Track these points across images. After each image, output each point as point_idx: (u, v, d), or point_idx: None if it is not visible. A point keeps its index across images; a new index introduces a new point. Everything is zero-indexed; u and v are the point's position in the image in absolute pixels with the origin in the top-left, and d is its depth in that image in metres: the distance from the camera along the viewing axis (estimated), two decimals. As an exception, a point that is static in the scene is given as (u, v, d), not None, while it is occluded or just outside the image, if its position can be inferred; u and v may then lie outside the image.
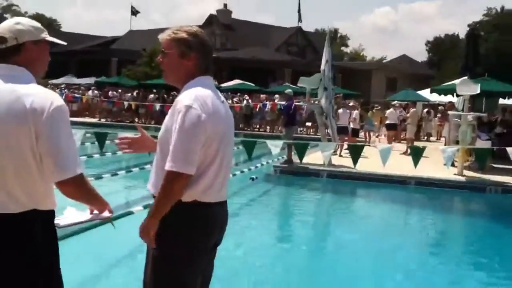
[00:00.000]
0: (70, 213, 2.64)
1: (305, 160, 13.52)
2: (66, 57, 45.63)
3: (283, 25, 56.63)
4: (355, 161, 11.16)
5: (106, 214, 2.55)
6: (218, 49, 49.86)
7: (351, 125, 16.61)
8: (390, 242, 7.45)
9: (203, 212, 2.52)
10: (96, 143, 10.78)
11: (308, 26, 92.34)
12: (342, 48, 75.80)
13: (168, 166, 2.38)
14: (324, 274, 5.87)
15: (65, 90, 27.70)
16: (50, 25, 67.55)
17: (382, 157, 10.85)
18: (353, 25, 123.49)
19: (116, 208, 6.80)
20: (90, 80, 35.30)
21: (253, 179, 11.66)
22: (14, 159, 2.17)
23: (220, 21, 51.96)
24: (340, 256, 6.68)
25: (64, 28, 71.10)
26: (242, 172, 12.32)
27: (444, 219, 9.74)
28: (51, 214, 2.34)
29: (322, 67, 13.78)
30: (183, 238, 2.49)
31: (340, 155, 14.99)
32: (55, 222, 2.40)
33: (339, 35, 77.62)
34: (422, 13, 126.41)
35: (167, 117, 2.51)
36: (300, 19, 53.35)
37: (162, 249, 2.49)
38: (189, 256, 2.51)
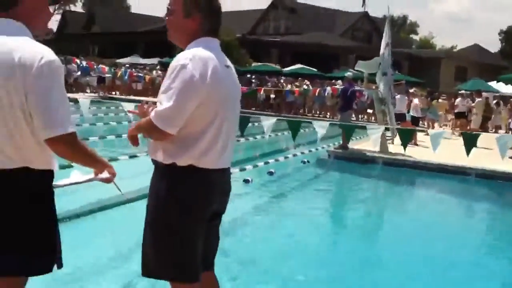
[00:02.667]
0: (73, 175, 2.60)
1: (361, 146, 13.24)
2: (133, 38, 46.87)
3: (346, 9, 55.61)
4: (404, 145, 10.68)
5: (105, 175, 2.48)
6: (282, 34, 49.60)
7: (411, 113, 16.01)
8: (447, 235, 7.05)
9: (199, 177, 2.45)
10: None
11: (375, 11, 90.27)
12: (411, 35, 73.63)
13: (152, 115, 2.34)
14: (374, 263, 5.63)
15: (129, 69, 28.29)
16: (120, 5, 69.48)
17: (433, 142, 10.34)
18: (423, 12, 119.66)
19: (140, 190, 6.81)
20: (155, 60, 36.01)
21: (304, 162, 11.47)
22: (5, 115, 2.10)
23: (285, 5, 51.51)
24: (391, 247, 6.37)
25: (133, 9, 72.92)
26: (295, 155, 12.18)
27: (504, 215, 9.18)
28: (46, 174, 2.28)
29: (382, 50, 13.27)
30: (178, 203, 2.44)
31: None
32: (54, 182, 2.35)
33: (408, 21, 75.42)
34: (496, 0, 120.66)
35: (166, 77, 2.42)
36: (363, 3, 52.20)
37: (159, 213, 2.47)
38: (186, 221, 2.46)
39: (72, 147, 2.18)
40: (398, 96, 15.65)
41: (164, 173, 2.46)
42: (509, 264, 6.17)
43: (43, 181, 2.26)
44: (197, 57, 2.36)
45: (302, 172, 10.97)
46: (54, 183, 2.35)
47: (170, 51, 42.54)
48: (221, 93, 2.44)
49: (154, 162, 2.52)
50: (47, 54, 2.11)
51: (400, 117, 14.96)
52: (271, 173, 9.56)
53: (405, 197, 10.10)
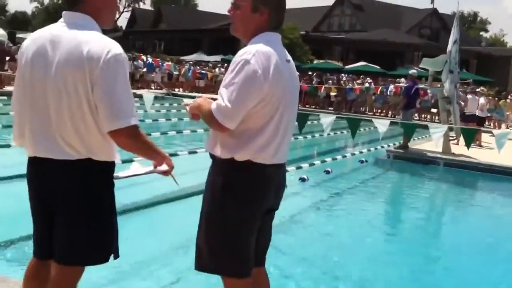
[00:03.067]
0: (134, 167, 2.66)
1: (421, 147, 12.93)
2: (199, 35, 47.61)
3: (415, 6, 54.16)
4: (468, 145, 10.33)
5: (164, 167, 2.51)
6: (347, 31, 49.01)
7: (477, 112, 15.46)
8: (502, 244, 6.80)
9: (256, 172, 2.46)
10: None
11: (444, 8, 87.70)
12: (481, 33, 70.92)
13: (213, 108, 2.34)
14: (430, 269, 5.53)
15: (193, 66, 28.79)
16: (187, 3, 70.76)
17: (498, 142, 9.93)
18: (495, 9, 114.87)
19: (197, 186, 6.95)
20: (218, 58, 36.48)
21: (362, 161, 11.33)
22: (71, 106, 2.19)
23: (350, 1, 50.87)
24: (448, 252, 6.25)
25: (200, 7, 74.11)
26: (353, 154, 12.06)
27: None
28: (109, 165, 2.37)
29: (449, 48, 12.83)
30: (234, 197, 2.45)
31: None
32: (115, 174, 2.44)
33: (478, 18, 72.69)
34: None
35: (228, 72, 2.44)
36: (432, 0, 50.58)
37: (215, 207, 2.49)
38: (241, 216, 2.48)
39: (134, 139, 2.25)
40: (469, 96, 15.18)
41: (222, 168, 2.47)
42: None
43: (105, 172, 2.36)
44: (260, 52, 2.36)
45: (360, 172, 10.85)
46: (115, 174, 2.43)
47: (234, 48, 43.09)
48: (282, 88, 2.44)
49: (212, 156, 2.54)
50: (114, 47, 2.19)
51: (469, 118, 14.49)
52: (327, 172, 9.52)
53: (466, 200, 9.77)
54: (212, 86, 28.65)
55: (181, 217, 6.07)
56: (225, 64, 31.08)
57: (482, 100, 15.36)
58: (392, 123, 11.07)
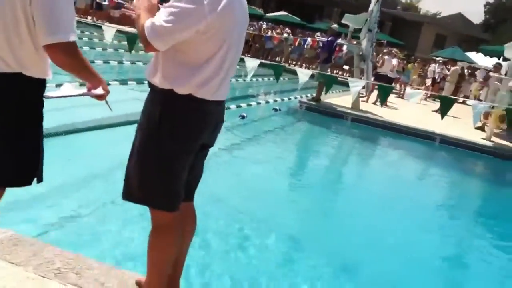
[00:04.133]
0: (65, 87, 2.50)
1: (333, 101, 13.37)
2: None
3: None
4: (382, 100, 10.88)
5: (99, 91, 2.40)
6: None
7: (388, 74, 16.13)
8: (403, 195, 7.34)
9: (196, 107, 2.40)
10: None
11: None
12: (398, -4, 72.91)
13: (147, 24, 2.26)
14: (327, 215, 5.84)
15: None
16: None
17: (409, 98, 10.58)
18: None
19: (130, 115, 6.91)
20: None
21: (276, 110, 11.56)
22: (5, 16, 2.06)
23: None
24: (348, 202, 6.61)
25: None
26: (267, 102, 12.24)
27: (461, 181, 9.53)
28: (40, 82, 2.24)
29: (371, 7, 13.18)
30: (171, 130, 2.39)
31: (374, 103, 14.73)
32: (45, 94, 2.31)
33: (396, -18, 74.45)
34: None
35: None
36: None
37: (149, 139, 2.41)
38: (176, 150, 2.42)
39: (71, 56, 2.13)
40: (386, 57, 15.72)
41: (160, 99, 2.39)
42: (456, 225, 6.48)
43: (35, 89, 2.23)
44: None
45: (272, 120, 11.07)
46: (45, 94, 2.30)
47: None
48: (230, 25, 2.36)
49: (151, 85, 2.44)
50: None
51: (382, 78, 15.05)
52: (242, 117, 9.62)
53: (368, 154, 10.34)
54: (128, 18, 27.50)
55: (108, 145, 6.04)
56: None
57: (394, 61, 16.00)
58: (312, 75, 11.31)
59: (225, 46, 2.39)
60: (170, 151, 2.42)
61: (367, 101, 14.60)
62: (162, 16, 2.24)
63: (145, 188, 2.48)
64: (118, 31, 11.77)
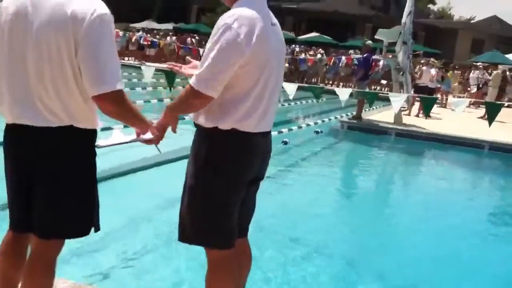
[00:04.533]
0: (115, 134, 2.55)
1: (375, 117, 13.23)
2: (149, 2, 46.41)
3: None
4: (426, 112, 10.68)
5: (148, 135, 2.43)
6: (299, 1, 48.88)
7: (427, 84, 15.89)
8: (456, 209, 7.11)
9: (241, 141, 2.38)
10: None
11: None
12: (429, 5, 72.19)
13: (192, 80, 2.27)
14: (381, 234, 5.71)
15: (144, 34, 28.15)
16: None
17: (455, 107, 10.31)
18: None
19: (178, 151, 7.04)
20: (169, 26, 35.75)
21: (317, 132, 11.49)
22: (53, 70, 2.09)
23: (302, -28, 50.61)
24: (400, 219, 6.46)
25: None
26: (308, 125, 12.21)
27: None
28: (91, 133, 2.28)
29: (404, 19, 13.05)
30: (218, 168, 2.39)
31: (416, 115, 14.52)
32: (97, 143, 2.35)
33: (426, -9, 73.84)
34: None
35: (210, 37, 2.36)
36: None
37: (198, 178, 2.41)
38: (225, 186, 2.41)
39: (119, 105, 2.15)
40: (424, 68, 15.56)
41: (206, 137, 2.40)
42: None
43: (86, 141, 2.27)
44: (243, 16, 2.26)
45: (315, 142, 11.01)
46: (96, 143, 2.34)
47: (185, 16, 42.40)
48: (267, 53, 2.33)
49: (196, 126, 2.44)
50: (99, 7, 2.09)
51: (423, 89, 14.87)
52: (285, 143, 9.60)
53: (416, 169, 10.13)
54: (164, 55, 28.19)
55: (161, 183, 6.15)
56: (176, 33, 30.57)
57: (433, 71, 15.77)
58: (351, 94, 11.25)
59: (265, 74, 2.37)
60: (219, 188, 2.41)
61: (409, 114, 14.39)
62: (204, 64, 2.25)
63: (198, 228, 2.48)
64: (157, 69, 12.00)
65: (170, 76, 10.35)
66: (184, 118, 2.98)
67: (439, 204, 7.24)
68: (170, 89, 11.23)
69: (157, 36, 28.37)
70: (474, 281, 4.55)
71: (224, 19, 2.27)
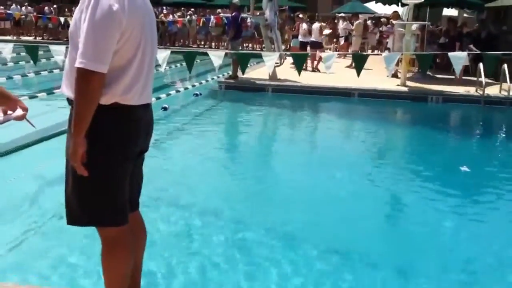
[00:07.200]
0: None
1: (251, 75, 13.40)
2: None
3: None
4: (299, 70, 11.02)
5: (19, 112, 2.27)
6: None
7: (299, 38, 16.34)
8: (334, 154, 7.53)
9: (125, 115, 2.30)
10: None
11: None
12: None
13: (78, 63, 2.12)
14: (268, 188, 5.87)
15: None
16: None
17: (326, 63, 10.78)
18: None
19: (54, 127, 6.66)
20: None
21: (197, 95, 11.44)
22: None
23: None
24: (285, 169, 6.66)
25: None
26: (186, 88, 12.09)
27: (386, 129, 9.89)
28: None
29: (269, -24, 13.21)
30: (103, 143, 2.28)
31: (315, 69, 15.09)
32: None
33: None
34: None
35: (76, 9, 2.22)
36: None
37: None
38: (113, 162, 2.32)
39: None
40: (316, 25, 15.98)
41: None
42: (390, 171, 6.71)
43: None
44: None
45: (195, 105, 10.94)
46: None
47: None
48: (140, 22, 2.26)
49: (70, 102, 2.29)
50: None
51: (316, 45, 15.40)
52: (165, 108, 9.43)
53: (294, 121, 10.49)
54: (21, 27, 26.24)
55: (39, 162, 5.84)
56: (33, 3, 28.45)
57: (304, 25, 16.21)
58: (226, 55, 11.25)
59: (141, 46, 2.30)
60: (107, 164, 2.32)
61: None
62: (86, 40, 2.11)
63: (88, 208, 2.38)
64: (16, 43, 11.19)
65: (33, 51, 9.70)
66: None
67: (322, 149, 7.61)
68: (35, 63, 10.56)
69: (12, 7, 26.15)
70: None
71: None
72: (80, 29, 2.16)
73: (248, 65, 12.75)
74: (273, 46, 13.91)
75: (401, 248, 4.31)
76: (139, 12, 2.26)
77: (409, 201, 5.63)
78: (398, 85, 12.40)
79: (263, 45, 15.80)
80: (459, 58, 10.78)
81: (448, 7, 17.69)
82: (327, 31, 19.62)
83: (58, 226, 4.16)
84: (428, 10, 17.56)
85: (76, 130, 2.19)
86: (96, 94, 2.16)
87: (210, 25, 23.58)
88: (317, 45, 15.93)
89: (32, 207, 4.73)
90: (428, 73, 13.16)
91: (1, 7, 26.22)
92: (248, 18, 18.65)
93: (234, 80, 12.73)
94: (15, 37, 24.23)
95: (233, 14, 13.13)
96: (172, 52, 9.83)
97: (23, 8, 26.59)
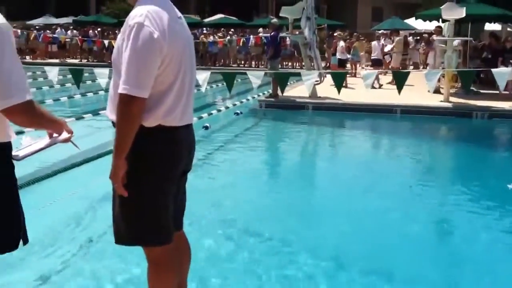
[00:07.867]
0: (27, 141, 2.45)
1: (291, 93, 13.43)
2: (44, -4, 44.18)
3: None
4: (338, 89, 10.96)
5: (65, 135, 2.36)
6: (200, -17, 48.37)
7: (338, 55, 16.32)
8: (379, 172, 7.39)
9: (168, 136, 2.38)
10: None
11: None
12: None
13: (121, 89, 2.22)
14: (314, 206, 5.81)
15: (42, 31, 26.80)
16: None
17: (365, 81, 10.69)
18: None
19: (99, 147, 6.79)
20: (68, 19, 34.22)
21: (237, 114, 11.51)
22: None
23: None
24: (330, 188, 6.59)
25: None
26: (227, 108, 12.19)
27: (431, 145, 9.71)
28: (5, 146, 2.15)
29: (305, -5, 13.29)
30: (147, 165, 2.37)
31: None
32: (14, 154, 2.22)
33: (323, -36, 75.46)
34: None
35: (118, 36, 2.33)
36: None
37: (129, 177, 2.34)
38: (158, 183, 2.40)
39: (30, 114, 2.06)
40: (374, 43, 16.07)
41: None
42: (436, 188, 6.56)
43: (2, 154, 2.13)
44: (152, 12, 2.26)
45: (237, 124, 11.00)
46: (13, 154, 2.21)
47: (84, 8, 40.73)
48: (180, 47, 2.36)
49: (114, 124, 2.37)
50: None
51: (377, 62, 15.47)
52: (206, 128, 9.51)
53: (336, 138, 10.40)
54: (67, 50, 27.11)
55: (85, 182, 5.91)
56: (76, 26, 29.37)
57: (342, 43, 16.20)
58: (265, 74, 11.32)
59: (182, 69, 2.39)
60: (151, 185, 2.39)
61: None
62: (128, 67, 2.21)
63: (134, 228, 2.45)
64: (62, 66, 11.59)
65: (77, 74, 10.03)
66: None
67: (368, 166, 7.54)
68: (78, 86, 10.90)
69: (57, 31, 27.03)
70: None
71: (134, 18, 2.26)
72: (122, 56, 2.25)
73: (288, 83, 12.80)
74: (312, 64, 13.92)
75: (451, 271, 4.18)
76: (179, 38, 2.36)
77: (457, 220, 5.47)
78: (441, 101, 12.18)
79: (303, 63, 15.81)
80: (503, 73, 10.54)
81: (490, 22, 17.31)
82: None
83: (104, 246, 4.21)
84: (469, 25, 17.26)
85: (117, 152, 2.28)
86: (137, 119, 2.25)
87: (249, 44, 23.78)
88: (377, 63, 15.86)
89: (79, 226, 4.81)
90: (472, 88, 12.88)
91: (48, 31, 27.14)
92: (287, 37, 18.74)
93: (274, 98, 12.76)
94: (61, 60, 25.05)
95: (272, 33, 13.23)
96: (212, 73, 9.94)
97: (69, 31, 27.48)
